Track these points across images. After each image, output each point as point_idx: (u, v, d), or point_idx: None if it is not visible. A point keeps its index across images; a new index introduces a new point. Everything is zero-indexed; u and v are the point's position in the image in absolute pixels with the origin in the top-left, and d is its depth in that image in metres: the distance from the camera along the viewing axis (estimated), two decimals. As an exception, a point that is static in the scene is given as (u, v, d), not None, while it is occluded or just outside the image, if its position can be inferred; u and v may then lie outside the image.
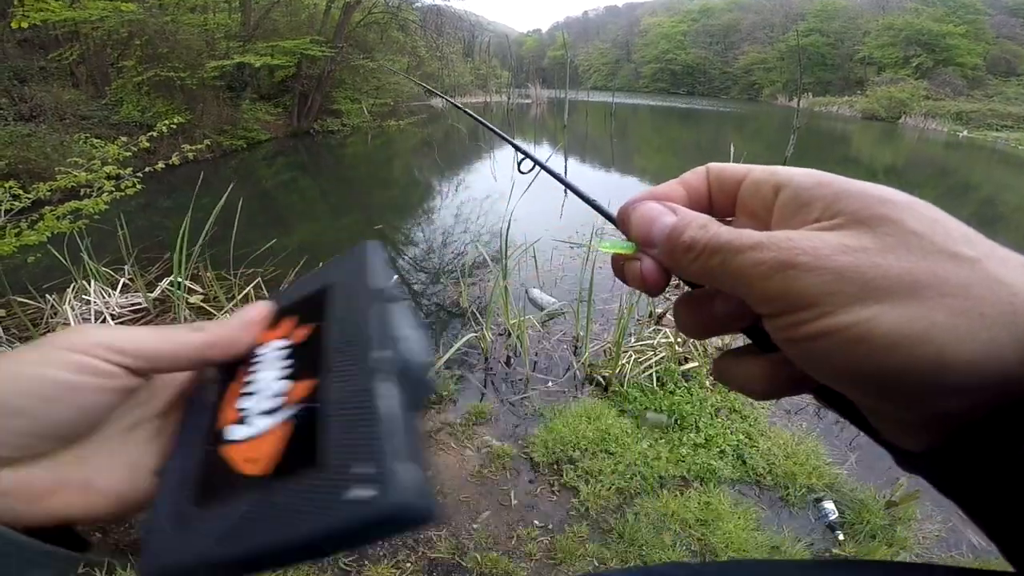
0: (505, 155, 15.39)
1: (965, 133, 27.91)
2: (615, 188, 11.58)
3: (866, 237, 0.22)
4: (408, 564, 2.39)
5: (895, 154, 20.98)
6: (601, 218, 0.40)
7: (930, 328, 0.20)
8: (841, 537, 2.62)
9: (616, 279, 0.37)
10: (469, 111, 0.84)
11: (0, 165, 8.18)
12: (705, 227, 0.27)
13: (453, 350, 3.38)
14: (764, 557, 2.37)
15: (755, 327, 0.29)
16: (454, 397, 3.64)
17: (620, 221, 0.31)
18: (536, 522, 2.67)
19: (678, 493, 2.84)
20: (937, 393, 0.21)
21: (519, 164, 0.52)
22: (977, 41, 40.11)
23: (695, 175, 0.32)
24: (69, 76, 12.37)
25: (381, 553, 2.44)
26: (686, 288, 0.32)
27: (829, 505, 2.76)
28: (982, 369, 0.20)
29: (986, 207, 12.70)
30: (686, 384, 3.72)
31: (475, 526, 2.61)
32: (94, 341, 0.28)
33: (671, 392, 3.63)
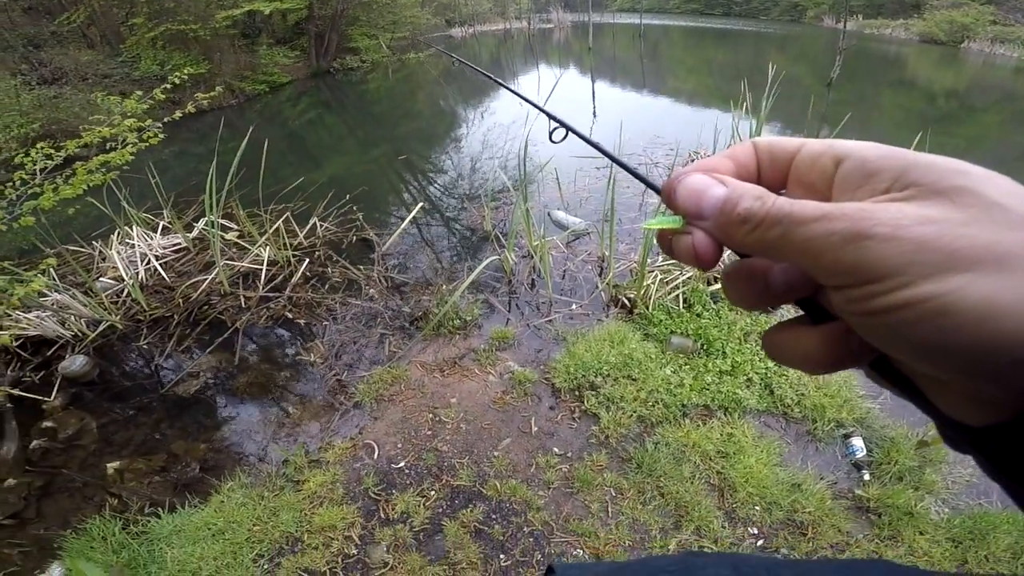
0: (529, 79, 14.83)
1: (1039, 59, 25.20)
2: (648, 109, 11.10)
3: (947, 208, 0.21)
4: (432, 492, 2.52)
5: (956, 78, 19.22)
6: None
7: (1022, 299, 0.19)
8: (867, 477, 2.53)
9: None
10: (481, 69, 0.79)
11: (35, 127, 8.50)
12: (760, 198, 0.26)
13: (476, 273, 3.43)
14: (798, 558, 2.28)
15: (810, 299, 0.28)
16: (478, 322, 3.71)
17: (666, 194, 0.30)
18: (555, 450, 2.72)
19: (700, 423, 2.81)
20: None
21: (551, 134, 0.49)
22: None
23: (743, 150, 0.31)
24: (82, 38, 12.39)
25: (407, 481, 2.58)
26: (735, 257, 0.31)
27: (858, 442, 2.65)
28: None
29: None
30: (714, 306, 3.62)
31: (496, 454, 2.70)
32: None
33: (698, 315, 3.54)
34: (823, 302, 0.28)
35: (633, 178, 0.32)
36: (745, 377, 3.08)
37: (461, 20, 27.40)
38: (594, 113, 9.57)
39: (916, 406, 0.27)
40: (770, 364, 3.15)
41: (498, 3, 32.26)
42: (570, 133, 0.47)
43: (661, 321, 3.52)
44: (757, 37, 29.41)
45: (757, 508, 2.41)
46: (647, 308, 3.64)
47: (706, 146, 6.38)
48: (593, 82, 11.88)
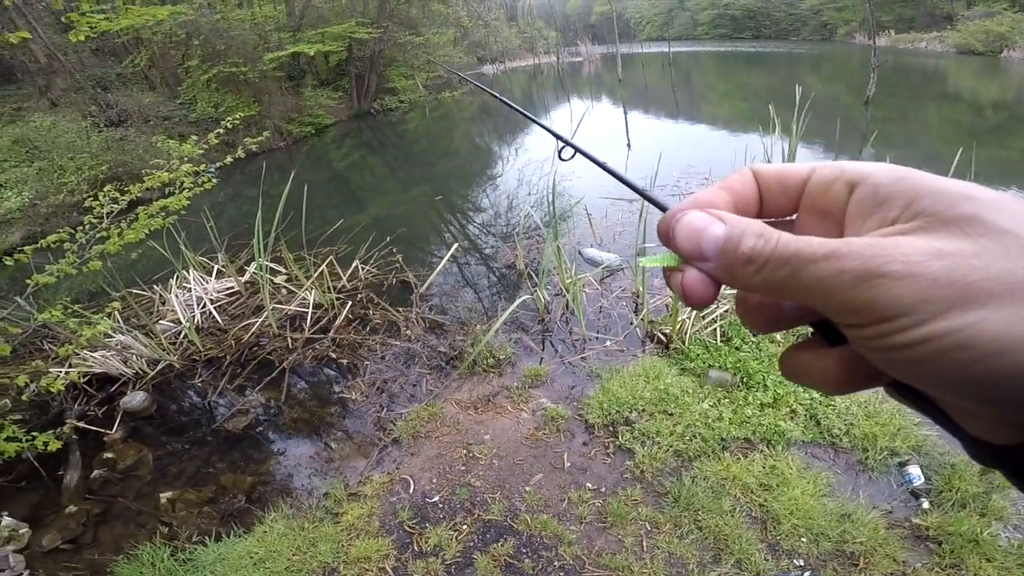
0: (560, 114, 15.10)
1: (1083, 65, 23.97)
2: (682, 138, 11.09)
3: (958, 239, 0.21)
4: (464, 526, 2.54)
5: (1002, 88, 18.48)
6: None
7: None
8: (926, 505, 2.41)
9: None
10: (504, 99, 0.84)
11: (103, 169, 9.09)
12: (763, 235, 0.25)
13: (508, 313, 3.50)
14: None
15: (825, 321, 0.27)
16: (512, 360, 3.75)
17: (663, 235, 0.28)
18: (588, 485, 2.70)
19: (741, 456, 2.73)
20: None
21: (559, 152, 0.51)
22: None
23: (740, 179, 0.30)
24: (144, 80, 13.35)
25: (441, 515, 2.61)
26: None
27: (915, 470, 2.53)
28: None
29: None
30: (753, 339, 3.54)
31: (527, 489, 2.70)
32: None
33: (736, 348, 3.48)
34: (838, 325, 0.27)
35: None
36: (788, 409, 3.00)
37: (492, 57, 28.27)
38: (628, 145, 9.65)
39: (938, 424, 0.26)
40: (815, 395, 3.04)
41: (527, 39, 33.18)
42: (577, 153, 0.49)
43: (698, 355, 3.48)
44: (789, 58, 29.13)
45: (803, 539, 2.33)
46: (683, 343, 3.61)
47: (740, 174, 6.31)
48: (626, 113, 12.01)
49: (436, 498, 2.71)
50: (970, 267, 0.20)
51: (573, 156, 0.51)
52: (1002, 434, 0.23)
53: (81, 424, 3.53)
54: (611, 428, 3.03)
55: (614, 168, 0.46)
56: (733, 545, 2.31)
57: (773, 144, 5.40)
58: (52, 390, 2.92)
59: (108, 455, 3.36)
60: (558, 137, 0.55)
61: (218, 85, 12.88)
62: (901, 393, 0.26)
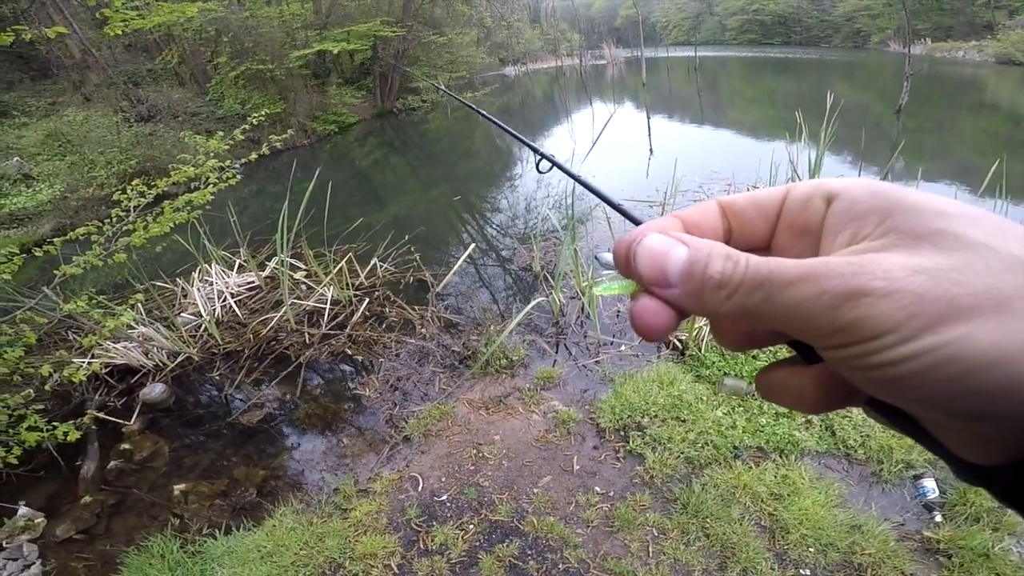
0: (582, 117, 15.05)
1: None
2: (706, 143, 10.97)
3: (933, 255, 0.21)
4: (471, 526, 2.54)
5: None
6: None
7: None
8: (939, 518, 2.39)
9: None
10: (493, 117, 0.84)
11: (132, 164, 9.31)
12: (730, 257, 0.24)
13: (523, 314, 3.49)
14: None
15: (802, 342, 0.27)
16: (525, 361, 3.75)
17: (621, 260, 0.27)
18: (597, 488, 2.69)
19: (753, 465, 2.71)
20: None
21: (537, 164, 0.53)
22: None
23: (697, 208, 0.28)
24: (175, 76, 13.67)
25: (448, 514, 2.62)
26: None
27: (929, 483, 2.51)
28: None
29: None
30: (772, 349, 3.53)
31: (536, 490, 2.69)
32: None
33: (753, 357, 3.43)
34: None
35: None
36: (804, 419, 2.97)
37: (514, 58, 28.33)
38: (651, 150, 9.58)
39: (921, 444, 0.25)
40: None
41: (550, 41, 33.17)
42: (554, 167, 0.50)
43: (714, 363, 3.44)
44: (820, 65, 28.62)
45: (811, 550, 2.31)
46: (699, 350, 3.57)
47: (763, 180, 6.24)
48: (649, 118, 11.91)
49: (444, 497, 2.71)
50: (952, 281, 0.20)
51: (550, 169, 0.51)
52: (987, 454, 0.23)
53: (101, 415, 3.61)
54: (622, 433, 3.01)
55: (588, 181, 0.46)
56: (740, 553, 2.29)
57: (799, 152, 5.30)
58: (74, 380, 3.00)
59: (125, 446, 3.43)
60: (535, 150, 0.55)
61: (245, 82, 13.13)
62: (879, 412, 0.26)
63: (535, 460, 2.90)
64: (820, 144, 4.94)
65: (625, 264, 0.27)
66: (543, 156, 0.53)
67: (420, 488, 2.78)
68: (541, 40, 32.93)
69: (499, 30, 22.48)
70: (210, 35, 13.47)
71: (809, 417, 2.97)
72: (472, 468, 2.87)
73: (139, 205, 3.52)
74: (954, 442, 0.24)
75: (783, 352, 0.30)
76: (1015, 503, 0.23)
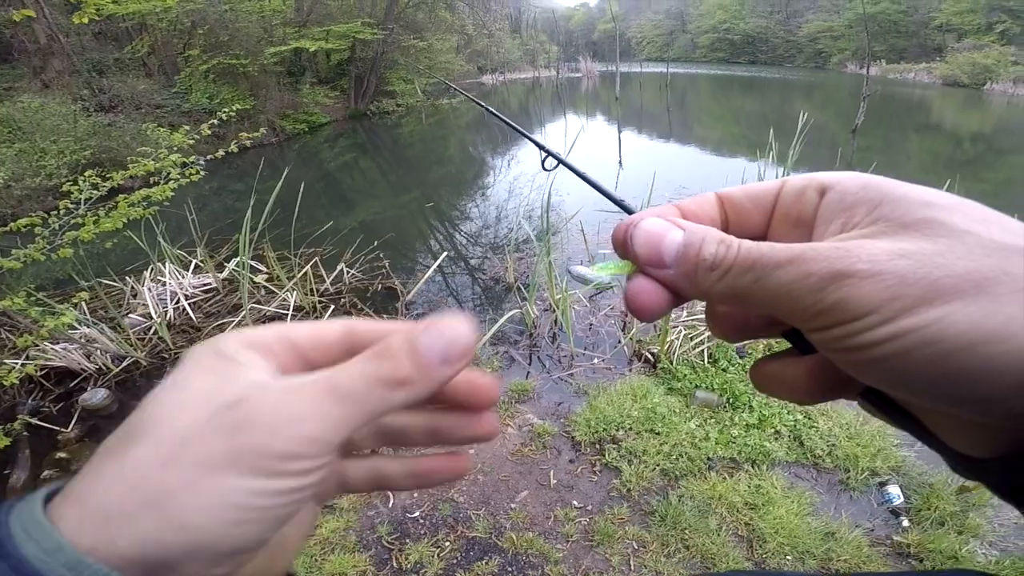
0: (555, 127, 15.18)
1: (1061, 99, 24.98)
2: (675, 159, 11.20)
3: (918, 240, 0.21)
4: (447, 543, 2.44)
5: (982, 120, 19.12)
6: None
7: (1008, 323, 0.19)
8: (905, 523, 2.48)
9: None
10: (491, 108, 0.82)
11: (87, 154, 8.86)
12: (724, 242, 0.25)
13: (497, 326, 3.41)
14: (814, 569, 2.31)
15: (795, 331, 0.28)
16: (498, 374, 3.66)
17: (619, 241, 0.28)
18: (575, 503, 2.65)
19: (727, 475, 2.74)
20: (1020, 394, 0.19)
21: (543, 162, 0.52)
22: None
23: (696, 200, 0.29)
24: (142, 67, 13.16)
25: (422, 531, 2.51)
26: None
27: (894, 489, 2.62)
28: None
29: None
30: (740, 360, 3.57)
31: (513, 506, 2.63)
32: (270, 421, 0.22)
33: (723, 370, 3.50)
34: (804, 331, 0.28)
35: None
36: (773, 430, 3.04)
37: (492, 67, 28.48)
38: (620, 163, 9.68)
39: (915, 437, 0.26)
40: (799, 416, 3.12)
41: (528, 52, 33.52)
42: (560, 164, 0.49)
43: (686, 376, 3.47)
44: (783, 85, 29.79)
45: (789, 557, 2.33)
46: (671, 363, 3.59)
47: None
48: (620, 132, 12.08)
49: (417, 513, 2.61)
50: (934, 264, 0.20)
51: (556, 167, 0.49)
52: (977, 445, 0.24)
53: (34, 420, 3.29)
54: (598, 446, 2.98)
55: (594, 179, 0.44)
56: (720, 564, 2.30)
57: (767, 169, 5.42)
58: (5, 383, 2.74)
59: (61, 455, 3.17)
60: (543, 148, 0.54)
61: (216, 76, 12.76)
62: (875, 405, 0.26)
63: (511, 475, 2.83)
64: (788, 162, 5.07)
65: (622, 245, 0.28)
66: (549, 153, 0.50)
67: (391, 504, 2.66)
68: (520, 50, 33.23)
69: (480, 38, 22.54)
70: (185, 26, 13.01)
71: (778, 428, 3.04)
72: (446, 484, 2.77)
73: (91, 198, 3.30)
74: (947, 433, 0.25)
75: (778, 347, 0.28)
76: (1010, 496, 0.24)
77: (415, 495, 2.71)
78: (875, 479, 2.74)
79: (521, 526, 2.52)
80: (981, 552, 2.35)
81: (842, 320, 0.21)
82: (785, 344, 0.29)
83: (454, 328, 0.25)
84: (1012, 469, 0.22)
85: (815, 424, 3.05)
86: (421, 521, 2.56)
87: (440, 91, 20.15)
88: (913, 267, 0.21)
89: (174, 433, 0.22)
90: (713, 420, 3.11)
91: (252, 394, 0.23)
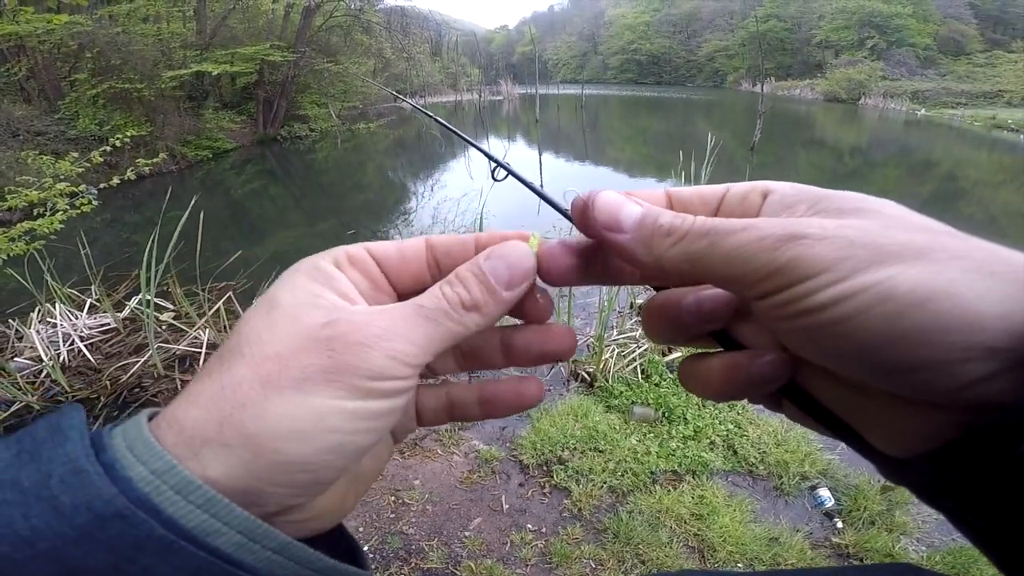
0: (478, 153, 15.30)
1: (923, 111, 28.77)
2: (590, 180, 11.61)
3: (859, 220, 0.23)
4: (400, 576, 2.33)
5: (858, 134, 21.49)
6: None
7: (953, 282, 0.20)
8: (839, 525, 2.59)
9: None
10: (438, 118, 0.80)
11: (-51, 187, 7.85)
12: (679, 216, 0.26)
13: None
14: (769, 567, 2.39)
15: (722, 331, 0.29)
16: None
17: (578, 210, 0.29)
18: (529, 526, 2.61)
19: (671, 488, 2.80)
20: (968, 356, 0.20)
21: (492, 172, 0.51)
22: (925, 22, 41.80)
23: (648, 194, 0.31)
24: (19, 91, 11.91)
25: (372, 566, 2.38)
26: (652, 291, 0.32)
27: (824, 492, 2.73)
28: (1011, 326, 0.19)
29: (948, 182, 13.07)
30: (671, 375, 3.69)
31: (467, 534, 2.56)
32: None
33: (656, 385, 3.59)
34: (735, 333, 0.29)
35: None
36: (708, 440, 3.13)
37: (412, 91, 28.38)
38: (541, 184, 9.93)
39: (839, 439, 0.26)
40: (730, 426, 3.23)
41: (450, 75, 33.74)
42: (509, 174, 0.50)
43: (622, 392, 3.53)
44: (686, 104, 31.96)
45: (740, 565, 2.38)
46: (607, 381, 3.65)
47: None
48: (540, 154, 12.40)
49: (365, 548, 2.45)
50: (878, 233, 0.22)
51: (506, 177, 0.49)
52: (903, 442, 0.24)
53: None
54: (545, 468, 2.96)
55: (543, 191, 0.44)
56: None
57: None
58: None
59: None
60: (491, 158, 0.54)
61: (106, 101, 11.72)
62: (799, 406, 0.27)
63: (462, 502, 2.75)
64: (702, 182, 5.40)
65: (582, 212, 0.29)
66: (499, 164, 0.49)
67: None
68: (441, 74, 33.32)
69: (399, 61, 22.37)
70: (71, 49, 11.86)
71: (712, 438, 3.14)
72: (392, 516, 2.64)
73: (-40, 234, 2.91)
74: (872, 431, 0.25)
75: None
76: (933, 499, 0.24)
77: (360, 528, 2.56)
78: (806, 483, 2.84)
79: (478, 553, 2.45)
80: (912, 549, 2.46)
81: (795, 280, 0.22)
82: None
83: (515, 252, 0.28)
84: (932, 469, 0.23)
85: (745, 432, 3.16)
86: (371, 555, 2.42)
87: (356, 115, 19.74)
88: (860, 234, 0.22)
89: (272, 351, 0.23)
90: (652, 434, 3.17)
91: (343, 315, 0.24)
